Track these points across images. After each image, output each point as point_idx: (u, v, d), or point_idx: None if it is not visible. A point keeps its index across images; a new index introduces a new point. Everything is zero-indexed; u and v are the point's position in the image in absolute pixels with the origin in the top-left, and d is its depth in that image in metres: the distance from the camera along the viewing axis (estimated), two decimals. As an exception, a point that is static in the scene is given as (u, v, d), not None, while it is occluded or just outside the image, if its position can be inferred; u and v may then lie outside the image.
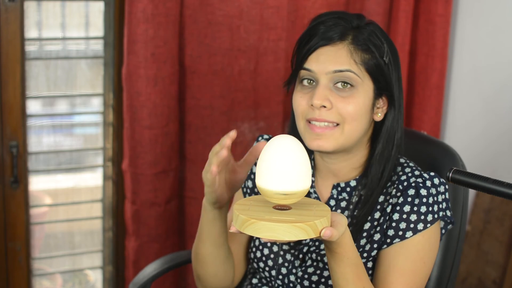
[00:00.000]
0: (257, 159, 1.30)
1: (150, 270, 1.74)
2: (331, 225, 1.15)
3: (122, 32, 2.13)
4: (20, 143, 2.11)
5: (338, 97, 1.35)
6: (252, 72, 2.21)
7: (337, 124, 1.35)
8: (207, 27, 2.15)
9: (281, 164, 1.13)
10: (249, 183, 1.56)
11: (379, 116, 1.41)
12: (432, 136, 1.75)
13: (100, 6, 2.17)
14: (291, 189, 1.13)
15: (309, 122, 1.37)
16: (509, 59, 2.32)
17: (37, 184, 2.26)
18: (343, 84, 1.35)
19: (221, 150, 1.26)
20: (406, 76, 2.35)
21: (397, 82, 1.41)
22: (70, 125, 2.29)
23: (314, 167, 1.50)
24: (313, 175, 1.48)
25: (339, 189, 1.45)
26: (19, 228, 2.17)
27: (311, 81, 1.38)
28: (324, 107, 1.34)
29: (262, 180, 1.15)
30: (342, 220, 1.17)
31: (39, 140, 2.22)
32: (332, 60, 1.35)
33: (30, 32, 2.11)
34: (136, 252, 2.22)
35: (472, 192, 2.41)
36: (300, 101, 1.38)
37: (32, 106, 2.18)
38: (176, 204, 2.27)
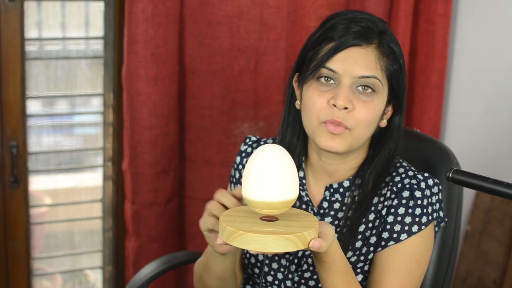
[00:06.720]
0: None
1: (147, 271, 1.73)
2: (319, 236, 1.14)
3: (122, 32, 2.13)
4: (20, 143, 2.11)
5: (360, 101, 1.31)
6: (252, 72, 2.21)
7: (349, 128, 1.32)
8: (207, 27, 2.15)
9: (267, 174, 1.10)
10: (237, 174, 1.53)
11: (384, 123, 1.39)
12: (425, 134, 1.74)
13: (100, 6, 2.17)
14: (277, 199, 1.11)
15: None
16: (509, 59, 2.32)
17: (37, 184, 2.26)
18: (364, 87, 1.32)
19: (219, 241, 1.16)
20: (406, 76, 2.34)
21: (405, 89, 1.40)
22: (70, 125, 2.29)
23: (307, 167, 1.46)
24: (305, 177, 1.45)
25: (332, 190, 1.42)
26: (19, 228, 2.17)
27: (328, 79, 1.33)
28: (346, 108, 1.30)
29: (248, 191, 1.12)
30: (330, 230, 1.16)
31: (39, 140, 2.22)
32: (360, 64, 1.31)
33: (30, 32, 2.11)
34: (136, 252, 2.22)
35: (472, 192, 2.41)
36: (317, 99, 1.32)
37: (32, 106, 2.18)
38: (176, 204, 2.27)
